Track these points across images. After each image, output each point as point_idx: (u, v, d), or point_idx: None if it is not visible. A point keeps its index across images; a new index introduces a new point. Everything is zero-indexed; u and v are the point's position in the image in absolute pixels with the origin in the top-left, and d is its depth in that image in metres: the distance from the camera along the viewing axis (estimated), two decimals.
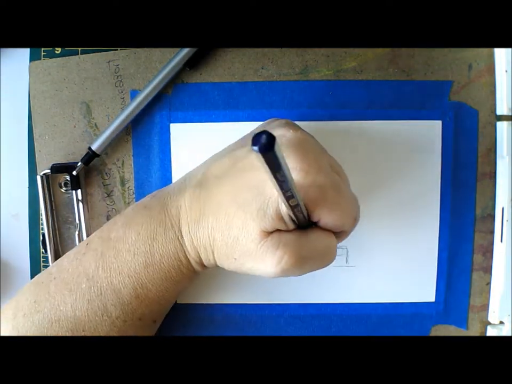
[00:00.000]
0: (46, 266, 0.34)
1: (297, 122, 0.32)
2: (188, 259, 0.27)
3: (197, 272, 0.29)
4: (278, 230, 0.24)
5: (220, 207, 0.25)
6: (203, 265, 0.28)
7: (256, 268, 0.25)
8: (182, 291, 0.30)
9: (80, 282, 0.27)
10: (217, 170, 0.27)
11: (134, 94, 0.33)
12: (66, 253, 0.30)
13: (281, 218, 0.24)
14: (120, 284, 0.27)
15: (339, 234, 0.26)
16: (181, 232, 0.27)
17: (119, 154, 0.34)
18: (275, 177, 0.17)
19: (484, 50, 0.33)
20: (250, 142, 0.25)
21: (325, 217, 0.24)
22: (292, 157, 0.23)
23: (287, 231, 0.25)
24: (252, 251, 0.24)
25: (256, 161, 0.24)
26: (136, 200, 0.34)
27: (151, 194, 0.29)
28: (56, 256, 0.33)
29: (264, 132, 0.15)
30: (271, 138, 0.15)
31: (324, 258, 0.25)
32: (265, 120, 0.33)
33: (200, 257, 0.27)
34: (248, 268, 0.25)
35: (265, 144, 0.15)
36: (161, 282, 0.27)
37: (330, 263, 0.26)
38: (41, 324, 0.27)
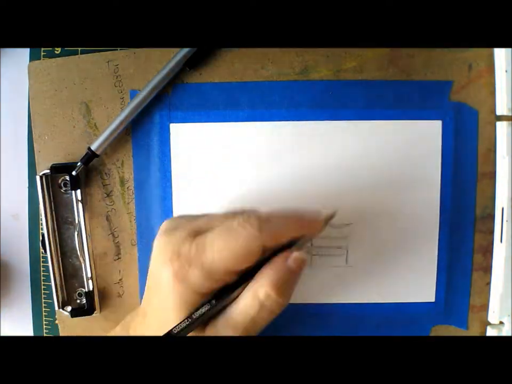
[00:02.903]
0: (46, 267, 0.34)
1: (297, 122, 0.33)
2: None
3: None
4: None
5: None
6: None
7: None
8: None
9: None
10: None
11: (133, 94, 0.33)
12: None
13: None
14: None
15: (298, 241, 0.26)
16: None
17: (119, 154, 0.33)
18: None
19: (483, 50, 0.33)
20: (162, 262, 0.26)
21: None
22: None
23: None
24: None
25: (163, 281, 0.25)
26: (136, 200, 0.34)
27: None
28: (57, 256, 0.33)
29: None
30: None
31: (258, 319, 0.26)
32: (265, 120, 0.33)
33: None
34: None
35: None
36: None
37: (272, 316, 0.26)
38: None
